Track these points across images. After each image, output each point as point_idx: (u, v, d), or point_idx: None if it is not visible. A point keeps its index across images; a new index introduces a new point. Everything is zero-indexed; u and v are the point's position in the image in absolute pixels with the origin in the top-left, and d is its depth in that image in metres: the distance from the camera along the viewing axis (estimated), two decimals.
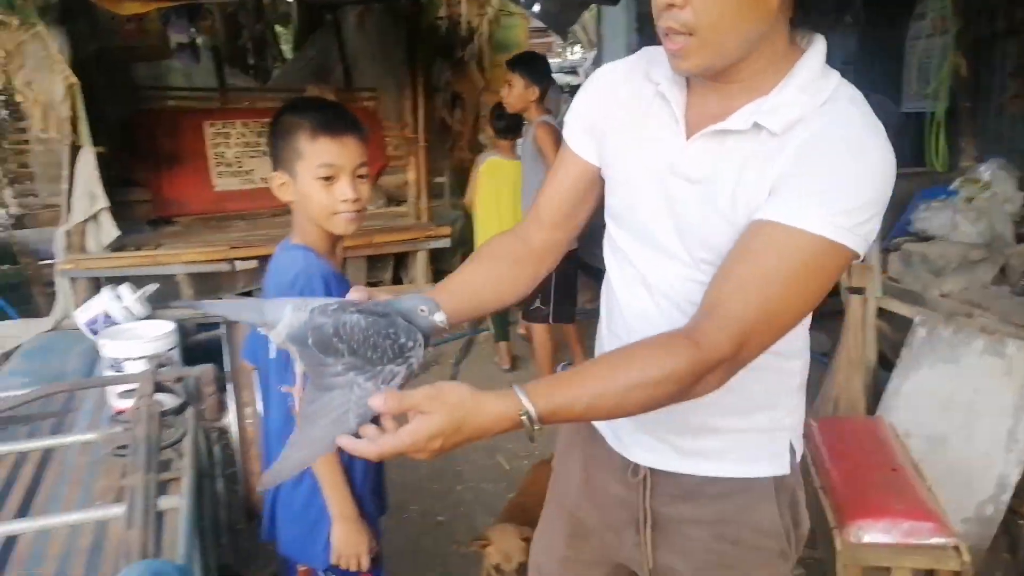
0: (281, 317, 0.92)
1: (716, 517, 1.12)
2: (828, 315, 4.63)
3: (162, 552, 1.24)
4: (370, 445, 0.83)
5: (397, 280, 5.06)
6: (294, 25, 6.49)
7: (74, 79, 3.30)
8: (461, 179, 5.13)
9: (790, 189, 0.90)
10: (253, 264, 4.18)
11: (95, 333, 3.21)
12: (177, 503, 1.39)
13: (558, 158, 1.22)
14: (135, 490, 1.32)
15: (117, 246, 3.98)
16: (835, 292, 4.29)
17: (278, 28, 7.66)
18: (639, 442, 1.15)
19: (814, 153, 0.90)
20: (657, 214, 1.05)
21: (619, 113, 1.09)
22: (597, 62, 11.24)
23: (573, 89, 16.37)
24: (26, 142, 5.23)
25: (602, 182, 1.16)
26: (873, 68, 4.86)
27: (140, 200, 5.02)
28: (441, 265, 5.20)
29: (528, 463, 2.87)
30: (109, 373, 1.93)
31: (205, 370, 1.77)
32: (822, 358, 4.25)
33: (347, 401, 0.86)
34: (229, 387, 1.86)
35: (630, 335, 1.09)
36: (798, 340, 1.08)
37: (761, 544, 1.12)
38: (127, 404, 1.71)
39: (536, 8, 5.15)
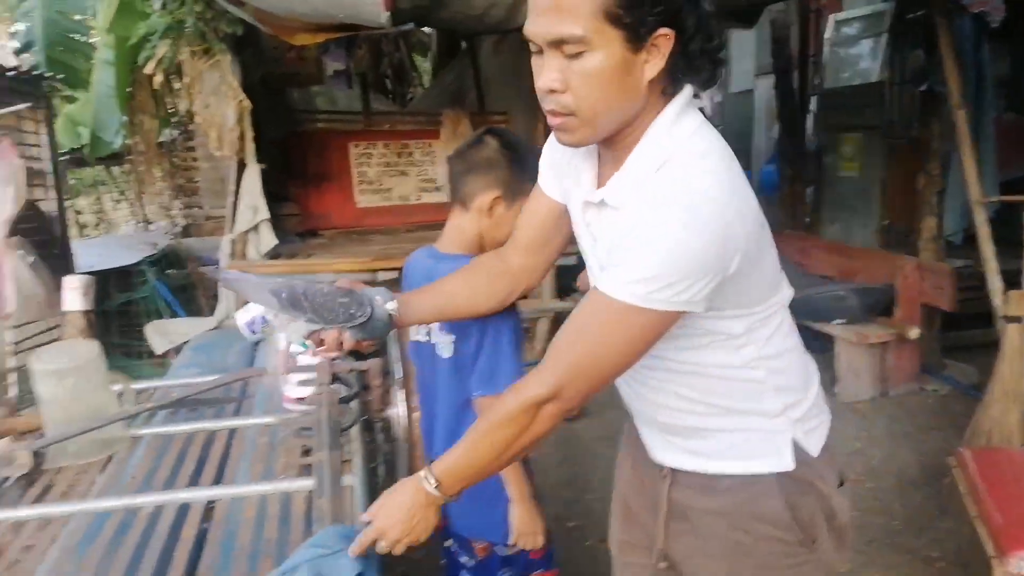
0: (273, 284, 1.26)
1: (728, 508, 1.21)
2: (975, 347, 4.40)
3: (345, 521, 1.36)
4: (359, 541, 1.11)
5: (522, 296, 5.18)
6: (433, 53, 6.84)
7: (247, 102, 3.63)
8: None
9: (610, 258, 1.05)
10: (393, 275, 4.41)
11: (253, 332, 3.50)
12: (351, 481, 1.53)
13: (532, 192, 1.34)
14: (323, 465, 1.45)
15: (273, 255, 4.31)
16: (984, 323, 4.08)
17: (415, 56, 8.07)
18: (656, 444, 1.28)
19: (629, 225, 1.02)
20: (590, 264, 1.22)
21: (567, 168, 1.22)
22: (724, 84, 11.12)
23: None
24: (195, 160, 5.81)
25: (567, 217, 1.26)
26: None
27: (290, 214, 5.41)
28: (567, 282, 5.30)
29: None
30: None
31: (374, 363, 1.93)
32: (970, 390, 4.03)
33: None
34: (395, 381, 2.00)
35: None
36: (746, 353, 1.15)
37: (773, 534, 1.19)
38: (303, 392, 1.87)
39: None
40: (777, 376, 1.18)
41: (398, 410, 1.97)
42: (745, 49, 9.46)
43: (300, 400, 1.82)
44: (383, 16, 2.70)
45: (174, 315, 4.45)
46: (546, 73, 0.98)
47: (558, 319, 5.22)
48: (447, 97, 6.01)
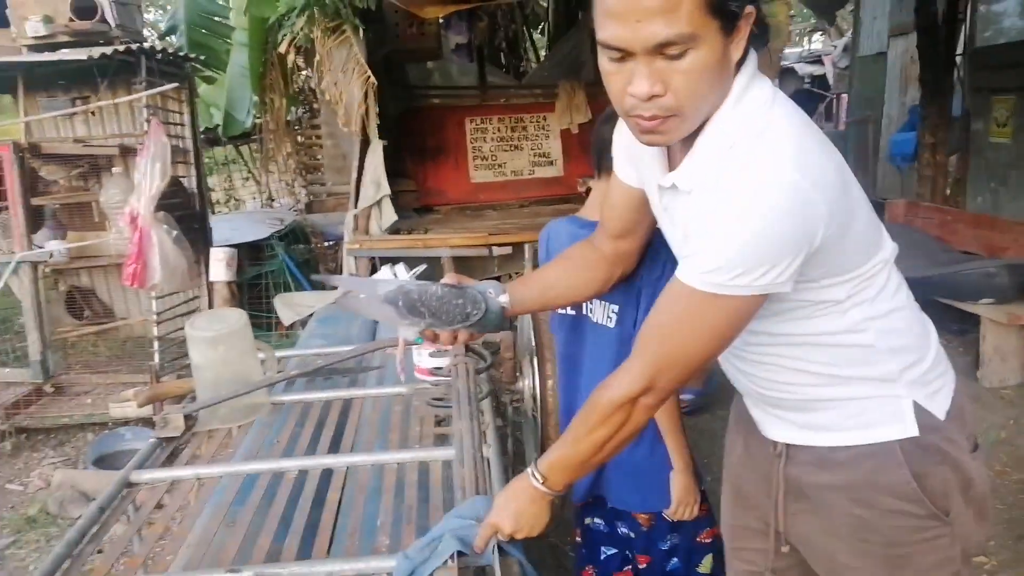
0: (385, 286, 1.29)
1: (848, 482, 1.14)
2: None
3: (486, 492, 1.35)
4: (478, 539, 1.10)
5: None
6: (548, 25, 6.76)
7: (373, 79, 3.69)
8: None
9: (687, 244, 1.04)
10: (507, 250, 4.42)
11: None
12: (487, 452, 1.52)
13: (611, 190, 1.36)
14: (463, 435, 1.44)
15: (393, 230, 4.40)
16: None
17: (528, 29, 8.00)
18: (767, 421, 1.24)
19: (701, 211, 1.00)
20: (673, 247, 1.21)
21: (640, 153, 1.18)
22: (852, 48, 10.44)
23: (816, 80, 15.39)
24: (318, 137, 6.00)
25: (647, 203, 1.25)
26: None
27: (407, 190, 5.51)
28: None
29: None
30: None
31: (505, 336, 1.92)
32: None
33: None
34: (527, 354, 1.99)
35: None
36: (853, 316, 1.09)
37: (900, 508, 1.11)
38: (437, 362, 1.89)
39: None
40: (888, 337, 1.11)
41: (529, 382, 1.95)
42: (878, 8, 8.81)
43: (436, 371, 1.84)
44: None
45: (300, 288, 4.63)
46: (642, 79, 0.92)
47: None
48: (563, 68, 5.91)
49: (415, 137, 5.51)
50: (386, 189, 4.20)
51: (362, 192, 4.23)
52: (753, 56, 1.01)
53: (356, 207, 4.28)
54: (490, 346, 1.94)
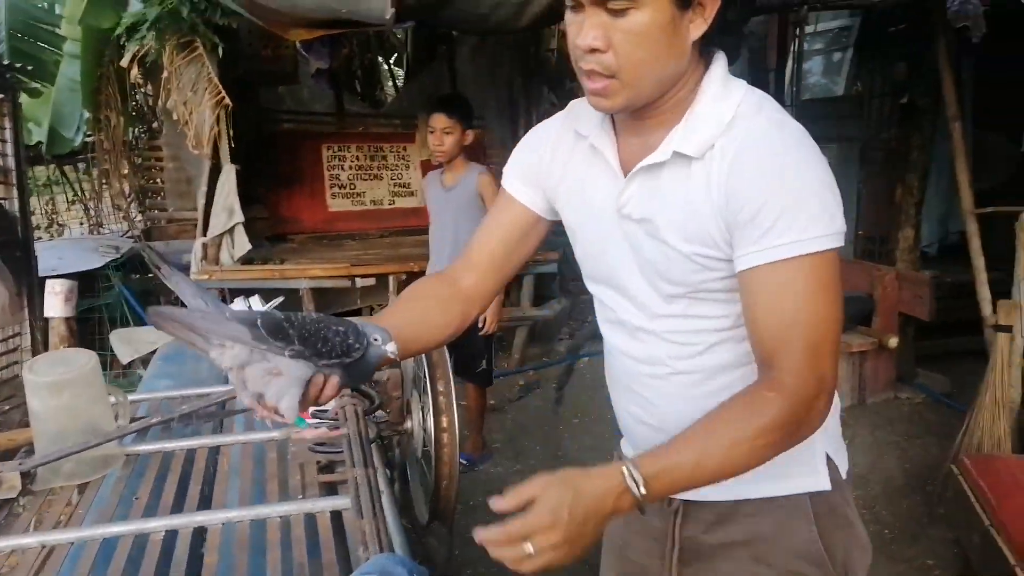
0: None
1: (751, 537, 1.09)
2: (945, 356, 4.50)
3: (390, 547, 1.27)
4: (499, 530, 0.83)
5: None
6: (407, 56, 6.74)
7: (228, 100, 3.48)
8: None
9: (751, 230, 0.93)
10: (371, 282, 4.30)
11: None
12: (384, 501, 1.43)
13: (495, 204, 1.24)
14: (359, 483, 1.35)
15: (245, 260, 4.15)
16: (955, 332, 4.16)
17: (382, 59, 7.94)
18: None
19: (749, 186, 0.93)
20: (621, 258, 1.08)
21: (559, 169, 1.14)
22: None
23: None
24: (159, 160, 5.58)
25: (537, 231, 1.21)
26: (991, 100, 4.73)
27: (258, 218, 5.23)
28: (542, 291, 5.25)
29: None
30: None
31: (392, 374, 1.83)
32: (943, 399, 4.11)
33: (288, 368, 0.93)
34: (414, 392, 1.91)
35: (628, 377, 1.17)
36: None
37: (800, 570, 1.07)
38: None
39: None
40: None
41: (419, 420, 1.88)
42: None
43: (319, 414, 1.72)
44: (388, 13, 2.61)
45: (140, 323, 4.24)
46: (587, 31, 0.92)
47: (536, 329, 5.16)
48: (422, 100, 5.90)
49: (268, 163, 5.27)
50: (240, 216, 3.97)
51: (213, 219, 3.96)
52: (722, 57, 1.00)
53: (206, 235, 4.00)
54: (374, 385, 1.85)
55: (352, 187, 5.54)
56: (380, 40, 7.03)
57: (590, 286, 1.20)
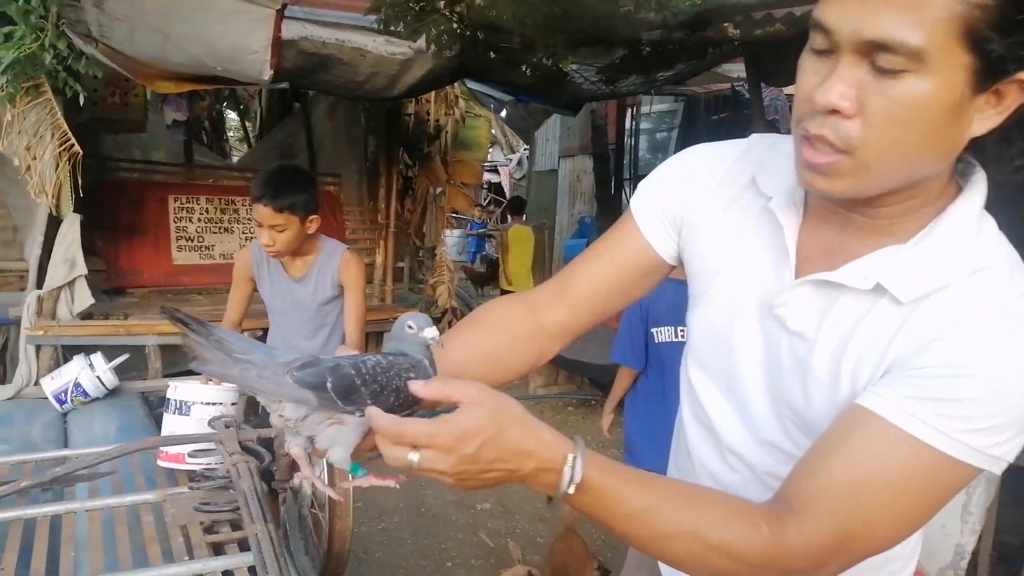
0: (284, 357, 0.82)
1: None
2: None
3: None
4: (394, 422, 0.72)
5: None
6: (261, 109, 6.65)
7: (77, 147, 3.32)
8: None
9: (911, 382, 0.72)
10: None
11: (62, 403, 3.14)
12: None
13: (612, 234, 1.02)
14: (261, 540, 1.37)
15: (84, 315, 3.89)
16: None
17: (231, 110, 7.78)
18: None
19: (950, 342, 0.71)
20: (750, 358, 0.88)
21: (716, 216, 0.92)
22: (530, 163, 11.85)
23: (493, 187, 17.03)
24: None
25: (656, 276, 1.01)
26: None
27: (95, 270, 4.91)
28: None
29: (511, 541, 2.96)
30: (173, 416, 1.96)
31: (279, 432, 1.83)
32: None
33: (351, 420, 0.80)
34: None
35: (696, 477, 0.99)
36: (907, 544, 0.90)
37: None
38: (204, 462, 1.76)
39: (503, 114, 5.52)
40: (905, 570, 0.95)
41: (310, 478, 1.88)
42: (551, 132, 10.22)
43: (207, 471, 1.70)
44: (266, 74, 2.65)
45: None
46: (834, 83, 0.69)
47: None
48: (276, 155, 5.86)
49: (108, 212, 4.98)
50: (83, 268, 3.74)
51: (51, 270, 3.69)
52: (983, 180, 0.78)
53: (41, 287, 3.71)
54: (263, 442, 1.84)
55: (200, 240, 5.35)
56: (231, 91, 6.90)
57: (692, 371, 0.98)
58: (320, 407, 0.79)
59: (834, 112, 0.70)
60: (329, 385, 0.78)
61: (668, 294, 1.63)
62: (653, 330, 2.37)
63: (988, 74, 0.67)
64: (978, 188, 0.77)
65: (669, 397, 2.05)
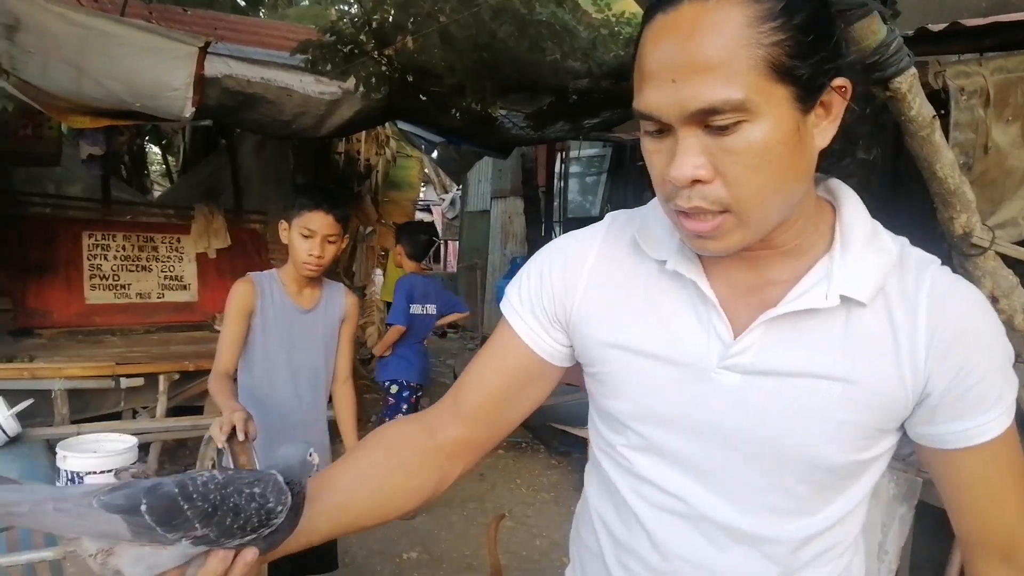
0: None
1: None
2: None
3: None
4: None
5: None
6: (184, 144, 6.50)
7: None
8: None
9: (970, 398, 0.77)
10: (139, 382, 3.99)
11: None
12: None
13: (494, 340, 0.96)
14: None
15: None
16: None
17: (152, 144, 7.58)
18: None
19: (964, 346, 0.77)
20: (715, 427, 0.82)
21: (604, 294, 0.88)
22: (462, 204, 11.91)
23: (426, 228, 17.08)
24: None
25: (548, 378, 0.94)
26: None
27: (0, 309, 4.68)
28: None
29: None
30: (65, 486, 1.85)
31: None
32: None
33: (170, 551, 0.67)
34: None
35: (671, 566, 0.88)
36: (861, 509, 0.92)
37: None
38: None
39: (435, 155, 5.55)
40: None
41: None
42: (483, 173, 10.33)
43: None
44: (188, 112, 2.59)
45: None
46: (683, 159, 0.71)
47: None
48: (200, 192, 5.72)
49: (16, 249, 4.75)
50: None
51: None
52: (843, 184, 0.85)
53: None
54: None
55: (116, 278, 5.14)
56: (153, 126, 6.73)
57: (641, 460, 0.88)
58: (135, 536, 0.64)
59: (696, 182, 0.71)
60: (144, 508, 0.65)
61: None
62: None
63: (808, 94, 0.71)
64: (847, 192, 0.84)
65: None
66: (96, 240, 5.08)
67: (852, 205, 0.82)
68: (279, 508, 0.70)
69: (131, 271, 5.21)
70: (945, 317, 0.77)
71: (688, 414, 0.83)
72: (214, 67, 2.75)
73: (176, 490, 0.66)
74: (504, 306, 0.95)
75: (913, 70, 1.88)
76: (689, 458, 0.84)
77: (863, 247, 0.79)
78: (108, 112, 2.78)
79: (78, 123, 2.95)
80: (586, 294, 0.89)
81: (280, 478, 0.71)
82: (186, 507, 0.65)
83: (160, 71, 2.63)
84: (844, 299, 0.77)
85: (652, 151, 0.75)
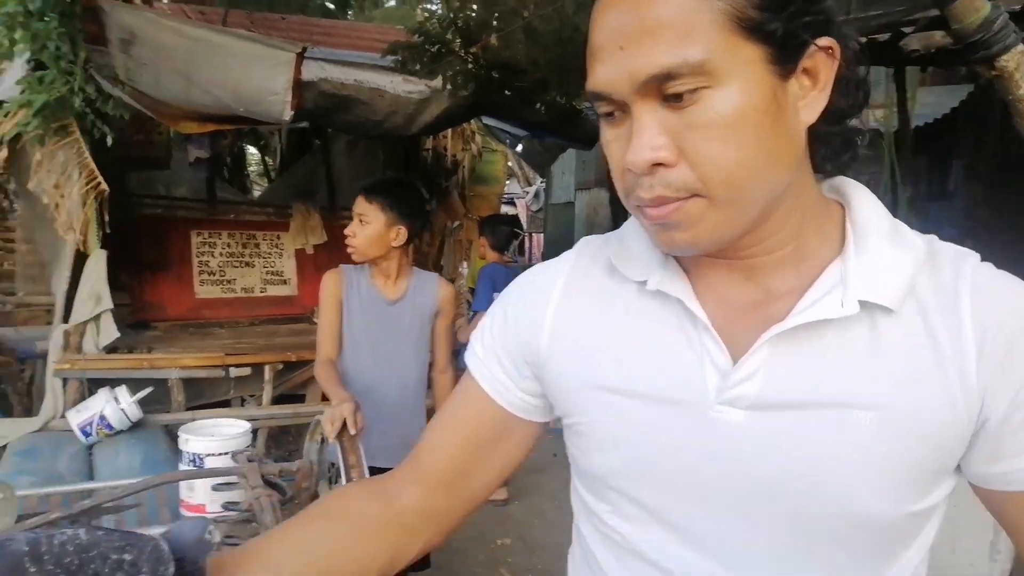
0: None
1: None
2: None
3: None
4: None
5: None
6: (281, 146, 6.82)
7: (104, 185, 3.43)
8: None
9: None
10: (247, 371, 4.22)
11: (87, 435, 3.20)
12: None
13: (456, 393, 0.83)
14: None
15: (109, 349, 3.97)
16: None
17: (252, 147, 7.97)
18: None
19: (1021, 352, 0.60)
20: (709, 474, 0.66)
21: (580, 331, 0.74)
22: (546, 196, 11.95)
23: (510, 219, 17.20)
24: (8, 241, 5.24)
25: (519, 434, 0.81)
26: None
27: (120, 304, 5.02)
28: None
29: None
30: (187, 468, 2.00)
31: (302, 464, 1.87)
32: None
33: None
34: (324, 481, 1.95)
35: None
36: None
37: None
38: (228, 497, 1.79)
39: (519, 148, 5.61)
40: None
41: None
42: (567, 166, 10.33)
43: (229, 506, 1.73)
44: (287, 114, 2.74)
45: None
46: (640, 141, 0.60)
47: None
48: (296, 191, 5.98)
49: (132, 247, 5.10)
50: (109, 303, 3.82)
51: (77, 306, 3.79)
52: (854, 182, 0.71)
53: (67, 321, 3.80)
54: (285, 474, 1.88)
55: (222, 274, 5.45)
56: (252, 129, 7.07)
57: (626, 527, 0.73)
58: None
59: (657, 167, 0.60)
60: None
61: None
62: None
63: (784, 55, 0.60)
64: (857, 187, 0.70)
65: None
66: (203, 238, 5.40)
67: (864, 199, 0.69)
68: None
69: (236, 267, 5.51)
70: (997, 315, 0.61)
71: (685, 467, 0.67)
72: (310, 71, 2.89)
73: (27, 549, 0.56)
74: (467, 355, 0.82)
75: (1020, 47, 1.80)
76: (690, 526, 0.68)
77: (882, 244, 0.65)
78: (214, 117, 2.97)
79: (187, 128, 3.17)
80: (554, 332, 0.75)
81: (163, 544, 0.60)
82: (33, 571, 0.55)
83: (262, 77, 2.79)
84: (865, 305, 0.63)
85: (609, 140, 0.64)
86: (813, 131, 0.64)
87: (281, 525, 0.79)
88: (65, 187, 3.47)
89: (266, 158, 7.87)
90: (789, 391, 0.64)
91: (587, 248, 0.79)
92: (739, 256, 0.67)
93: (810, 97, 0.62)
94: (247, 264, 5.55)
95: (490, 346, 0.80)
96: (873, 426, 0.62)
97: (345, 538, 0.76)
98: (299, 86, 2.81)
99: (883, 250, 0.65)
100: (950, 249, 0.67)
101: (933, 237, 0.68)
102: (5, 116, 3.31)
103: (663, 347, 0.69)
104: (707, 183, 0.59)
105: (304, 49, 2.75)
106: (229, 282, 5.48)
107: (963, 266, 0.64)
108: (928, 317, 0.63)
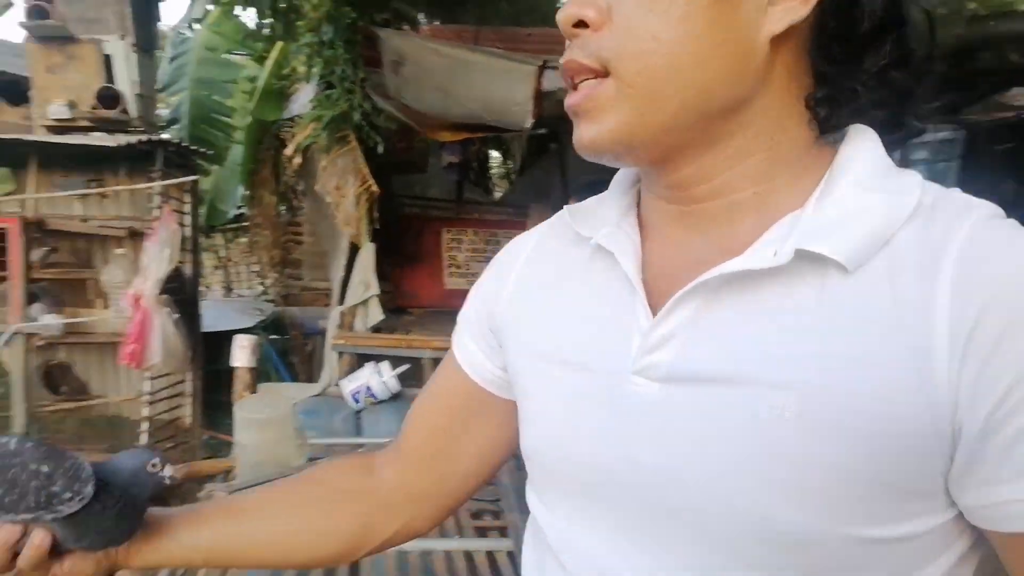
0: None
1: None
2: None
3: None
4: None
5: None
6: (521, 150, 7.27)
7: (375, 187, 3.97)
8: None
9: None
10: None
11: (357, 401, 3.74)
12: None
13: (439, 367, 0.79)
14: (520, 529, 1.62)
15: (375, 329, 4.57)
16: None
17: (493, 151, 8.58)
18: None
19: (1015, 340, 0.44)
20: (626, 472, 0.54)
21: (536, 296, 0.67)
22: None
23: None
24: (296, 234, 6.20)
25: (494, 412, 0.73)
26: None
27: (383, 291, 5.75)
28: None
29: None
30: None
31: None
32: None
33: None
34: None
35: None
36: None
37: None
38: None
39: None
40: None
41: None
42: None
43: None
44: (528, 122, 3.02)
45: (281, 379, 4.70)
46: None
47: None
48: (532, 193, 6.37)
49: (394, 242, 5.78)
50: (376, 289, 4.40)
51: (350, 290, 4.41)
52: (866, 130, 0.55)
53: (342, 304, 4.45)
54: None
55: (467, 267, 5.98)
56: (496, 135, 7.62)
57: (536, 505, 0.67)
58: None
59: (581, 27, 0.54)
60: None
61: None
62: None
63: None
64: (861, 129, 0.55)
65: None
66: (452, 235, 5.97)
67: (859, 140, 0.54)
68: (67, 495, 0.62)
69: (479, 262, 6.02)
70: (989, 284, 0.44)
71: (597, 448, 0.56)
72: (551, 82, 3.13)
73: None
74: (454, 333, 0.77)
75: None
76: (616, 524, 0.56)
77: (854, 188, 0.51)
78: (466, 126, 3.34)
79: (443, 137, 3.58)
80: (512, 298, 0.68)
81: (87, 466, 0.63)
82: None
83: (507, 89, 3.09)
84: (808, 258, 0.49)
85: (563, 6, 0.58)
86: (818, 73, 0.54)
87: (270, 484, 0.79)
88: (344, 189, 4.07)
89: (507, 161, 8.42)
90: (704, 360, 0.51)
91: (566, 212, 0.69)
92: (688, 199, 0.57)
93: (783, 7, 0.51)
94: (489, 259, 5.99)
95: (465, 316, 0.75)
96: (792, 413, 0.47)
97: (316, 502, 0.74)
98: (540, 96, 3.06)
99: (851, 194, 0.51)
100: (961, 199, 0.51)
101: (943, 189, 0.52)
102: (299, 129, 3.98)
103: (599, 309, 0.60)
104: (620, 56, 0.52)
105: (545, 63, 3.00)
106: (473, 275, 5.95)
107: (963, 219, 0.48)
108: (897, 281, 0.47)
